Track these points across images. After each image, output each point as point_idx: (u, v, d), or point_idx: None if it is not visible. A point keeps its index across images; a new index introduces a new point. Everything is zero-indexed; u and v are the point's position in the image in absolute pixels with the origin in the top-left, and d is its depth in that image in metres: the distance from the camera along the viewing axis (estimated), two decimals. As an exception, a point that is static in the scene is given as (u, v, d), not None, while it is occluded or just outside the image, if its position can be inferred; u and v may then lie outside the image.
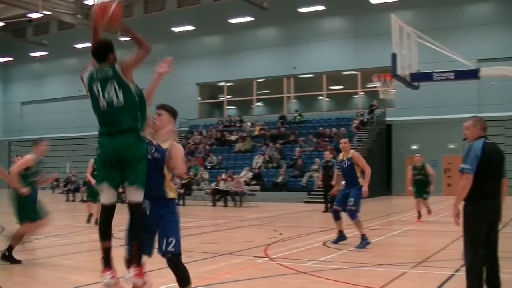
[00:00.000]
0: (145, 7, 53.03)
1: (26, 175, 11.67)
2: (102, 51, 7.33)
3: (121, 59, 6.96)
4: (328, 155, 26.92)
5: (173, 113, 7.64)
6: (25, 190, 11.33)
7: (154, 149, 6.82)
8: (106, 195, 6.57)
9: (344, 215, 14.05)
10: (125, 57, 7.01)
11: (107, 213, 6.65)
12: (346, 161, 14.11)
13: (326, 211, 25.75)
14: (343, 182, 14.89)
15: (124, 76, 6.91)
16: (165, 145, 6.92)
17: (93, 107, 6.93)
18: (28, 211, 11.59)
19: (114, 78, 6.85)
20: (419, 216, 20.55)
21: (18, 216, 11.59)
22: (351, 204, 13.70)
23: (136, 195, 6.50)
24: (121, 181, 6.60)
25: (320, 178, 27.21)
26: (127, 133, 6.57)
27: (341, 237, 14.20)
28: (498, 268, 7.66)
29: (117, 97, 6.75)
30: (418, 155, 22.01)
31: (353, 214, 13.70)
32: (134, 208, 6.56)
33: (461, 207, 7.45)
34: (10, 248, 11.48)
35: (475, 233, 7.37)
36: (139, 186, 6.51)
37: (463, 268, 10.43)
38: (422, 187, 20.72)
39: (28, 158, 11.80)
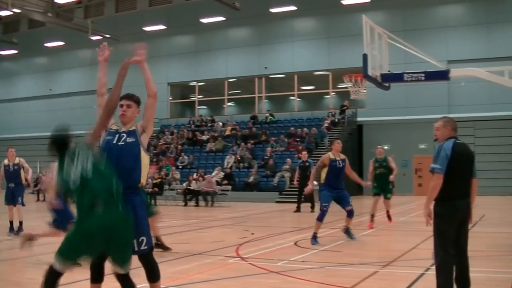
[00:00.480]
0: (116, 6, 52.77)
1: None
2: None
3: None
4: (305, 155, 27.08)
5: (139, 102, 7.83)
6: None
7: (124, 135, 6.87)
8: None
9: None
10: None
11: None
12: (340, 162, 15.01)
13: (298, 211, 25.85)
14: (315, 182, 15.22)
15: None
16: (132, 128, 7.07)
17: None
18: None
19: None
20: (372, 218, 18.51)
21: None
22: (351, 205, 14.89)
23: None
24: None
25: (296, 177, 27.20)
26: None
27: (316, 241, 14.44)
28: (467, 267, 7.72)
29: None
30: (379, 146, 20.25)
31: (353, 213, 14.98)
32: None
33: (432, 206, 7.49)
34: None
35: (444, 233, 7.42)
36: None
37: (433, 267, 10.54)
38: (383, 182, 18.88)
39: None
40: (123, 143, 6.79)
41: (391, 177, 19.00)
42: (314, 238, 14.08)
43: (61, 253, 6.00)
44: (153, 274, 7.03)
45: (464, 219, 7.58)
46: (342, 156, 15.16)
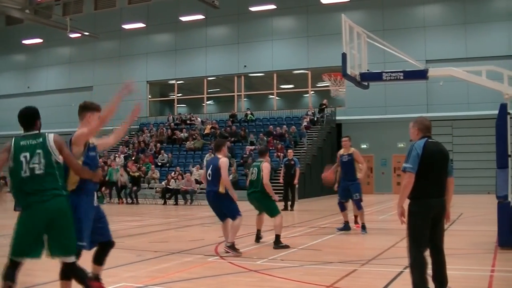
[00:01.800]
0: (96, 3, 52.56)
1: None
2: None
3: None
4: (290, 153, 27.13)
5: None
6: None
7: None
8: None
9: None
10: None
11: None
12: (346, 156, 16.12)
13: (285, 209, 25.80)
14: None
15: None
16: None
17: None
18: None
19: None
20: (356, 219, 17.65)
21: None
22: (358, 197, 16.13)
23: None
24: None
25: (282, 176, 27.21)
26: None
27: (346, 227, 16.51)
28: (444, 265, 7.82)
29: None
30: (345, 138, 17.41)
31: (359, 205, 16.16)
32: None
33: (406, 205, 7.60)
34: None
35: (418, 231, 7.53)
36: None
37: (411, 266, 10.63)
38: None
39: None
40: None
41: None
42: (364, 227, 16.26)
43: None
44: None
45: (439, 217, 7.65)
46: (350, 151, 16.37)
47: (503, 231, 12.72)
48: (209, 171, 12.51)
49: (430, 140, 7.68)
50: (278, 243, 13.31)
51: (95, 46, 50.89)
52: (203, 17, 46.40)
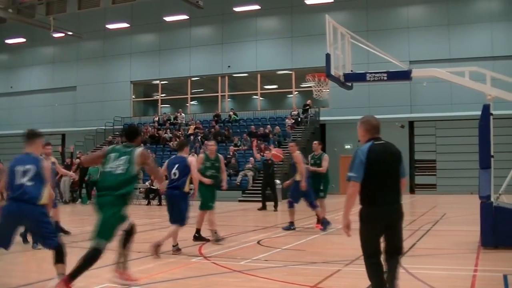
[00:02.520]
0: (79, 3, 52.33)
1: None
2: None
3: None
4: (268, 154, 27.18)
5: None
6: None
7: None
8: None
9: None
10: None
11: None
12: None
13: (264, 208, 25.93)
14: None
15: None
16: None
17: None
18: None
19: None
20: (318, 220, 17.68)
21: None
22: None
23: None
24: None
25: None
26: None
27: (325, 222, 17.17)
28: (394, 271, 7.25)
29: None
30: (316, 142, 18.44)
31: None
32: None
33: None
34: None
35: (367, 240, 7.15)
36: None
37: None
38: (316, 181, 17.68)
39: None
40: None
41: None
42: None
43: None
44: None
45: (393, 224, 7.16)
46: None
47: (486, 231, 12.79)
48: (174, 170, 12.71)
49: (376, 142, 7.23)
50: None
51: (78, 46, 50.68)
52: (187, 17, 46.31)
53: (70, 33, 46.37)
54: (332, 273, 10.08)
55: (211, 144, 15.71)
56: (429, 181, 39.87)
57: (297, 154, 17.36)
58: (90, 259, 8.38)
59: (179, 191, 12.52)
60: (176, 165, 12.64)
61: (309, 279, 9.47)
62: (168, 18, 47.05)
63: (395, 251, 7.22)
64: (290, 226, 17.18)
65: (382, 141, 7.33)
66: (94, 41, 50.66)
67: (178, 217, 12.66)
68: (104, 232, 8.49)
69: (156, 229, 18.26)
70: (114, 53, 49.71)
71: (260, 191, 28.61)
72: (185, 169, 12.51)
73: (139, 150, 8.78)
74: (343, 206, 7.05)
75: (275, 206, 26.27)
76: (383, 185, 7.06)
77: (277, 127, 39.84)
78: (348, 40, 15.34)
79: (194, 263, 11.43)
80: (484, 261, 11.37)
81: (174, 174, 12.58)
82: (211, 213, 14.87)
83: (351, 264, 11.14)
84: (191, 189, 13.12)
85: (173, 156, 13.84)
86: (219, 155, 15.80)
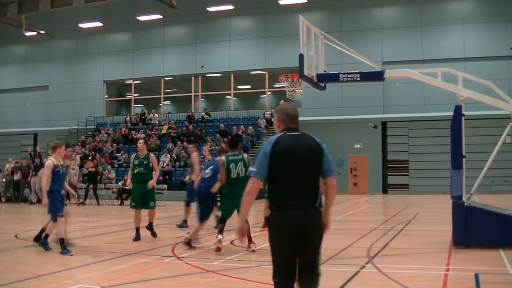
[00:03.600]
0: (52, 1, 51.70)
1: None
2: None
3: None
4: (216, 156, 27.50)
5: None
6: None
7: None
8: None
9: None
10: None
11: None
12: None
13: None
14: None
15: None
16: None
17: None
18: None
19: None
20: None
21: None
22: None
23: None
24: None
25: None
26: None
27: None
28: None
29: None
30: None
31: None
32: None
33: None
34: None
35: (274, 254, 5.92)
36: None
37: (368, 265, 10.72)
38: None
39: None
40: None
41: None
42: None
43: None
44: None
45: (306, 234, 5.79)
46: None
47: (458, 231, 12.90)
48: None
49: (289, 133, 5.99)
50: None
51: (51, 45, 50.32)
52: (161, 16, 46.15)
53: (42, 32, 46.04)
54: (305, 273, 10.09)
55: (140, 143, 16.00)
56: (402, 181, 40.10)
57: (195, 156, 18.23)
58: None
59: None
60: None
61: (283, 279, 9.46)
62: (141, 18, 46.85)
63: (308, 269, 5.91)
64: (183, 224, 18.17)
65: (298, 133, 6.04)
66: (66, 40, 50.33)
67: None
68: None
69: (128, 230, 18.16)
70: (87, 52, 49.42)
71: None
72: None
73: (245, 155, 13.19)
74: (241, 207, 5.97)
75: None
76: (294, 185, 5.80)
77: (250, 127, 39.87)
78: (321, 41, 15.39)
79: (167, 263, 11.41)
80: (456, 260, 11.47)
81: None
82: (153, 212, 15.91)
83: (324, 264, 11.13)
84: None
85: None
86: (151, 153, 16.07)
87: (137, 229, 15.17)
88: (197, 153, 18.28)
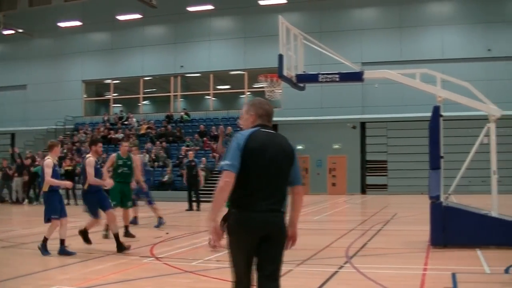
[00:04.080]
0: (30, 0, 51.58)
1: None
2: None
3: None
4: (191, 154, 27.98)
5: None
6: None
7: None
8: None
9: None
10: None
11: None
12: None
13: (190, 209, 26.52)
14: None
15: None
16: None
17: None
18: None
19: None
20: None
21: None
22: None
23: None
24: None
25: (185, 177, 27.99)
26: None
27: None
28: None
29: None
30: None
31: None
32: None
33: None
34: None
35: (234, 259, 5.44)
36: None
37: (347, 265, 10.75)
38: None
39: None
40: None
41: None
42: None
43: None
44: None
45: (271, 239, 5.41)
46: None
47: (436, 231, 12.98)
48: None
49: (263, 129, 5.57)
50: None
51: (29, 43, 49.97)
52: (140, 16, 45.98)
53: (20, 30, 45.78)
54: (284, 273, 10.03)
55: (124, 145, 16.64)
56: (380, 182, 40.25)
57: (137, 158, 18.30)
58: None
59: None
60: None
61: (261, 279, 9.46)
62: (120, 17, 46.66)
63: (269, 277, 5.48)
64: (161, 221, 18.72)
65: (273, 132, 5.63)
66: (45, 39, 50.01)
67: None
68: None
69: (101, 231, 18.11)
70: (65, 51, 49.11)
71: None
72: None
73: None
74: (211, 206, 5.35)
75: (198, 206, 26.72)
76: (263, 185, 5.37)
77: (229, 127, 39.85)
78: (300, 41, 15.41)
79: (145, 264, 11.38)
80: (433, 260, 11.53)
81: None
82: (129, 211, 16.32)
83: (302, 264, 11.19)
84: None
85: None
86: (132, 154, 16.68)
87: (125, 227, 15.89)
88: (141, 155, 18.69)
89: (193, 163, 27.31)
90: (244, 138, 5.40)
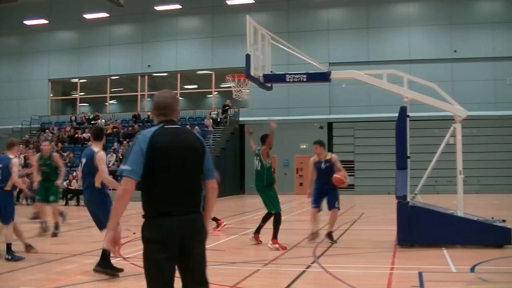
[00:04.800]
0: (-4, -3, 51.07)
1: None
2: None
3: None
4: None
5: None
6: None
7: None
8: None
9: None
10: None
11: None
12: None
13: None
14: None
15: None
16: None
17: None
18: None
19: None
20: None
21: None
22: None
23: None
24: None
25: None
26: None
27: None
28: None
29: None
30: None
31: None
32: None
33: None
34: None
35: (150, 273, 4.95)
36: None
37: (314, 265, 10.77)
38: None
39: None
40: None
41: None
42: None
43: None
44: None
45: (189, 245, 5.03)
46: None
47: (402, 230, 13.07)
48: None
49: (167, 126, 5.15)
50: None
51: (-6, 42, 49.58)
52: (107, 15, 45.78)
53: (-15, 28, 45.30)
54: (251, 273, 10.11)
55: (45, 145, 17.50)
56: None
57: (57, 155, 18.29)
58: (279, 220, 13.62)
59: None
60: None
61: (229, 279, 9.47)
62: (87, 16, 46.40)
63: (200, 284, 5.24)
64: (34, 217, 19.12)
65: (177, 126, 5.24)
66: (11, 37, 49.53)
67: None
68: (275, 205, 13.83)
69: (73, 230, 18.00)
70: (31, 50, 48.67)
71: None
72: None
73: (262, 147, 15.10)
74: (111, 214, 5.13)
75: None
76: (175, 187, 5.01)
77: (197, 127, 39.77)
78: (268, 41, 15.41)
79: (113, 264, 11.30)
80: (400, 259, 11.60)
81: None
82: (54, 206, 16.90)
83: (270, 264, 11.20)
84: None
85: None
86: (54, 153, 17.43)
87: (43, 222, 16.53)
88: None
89: None
90: (147, 140, 4.97)
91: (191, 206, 5.06)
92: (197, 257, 5.12)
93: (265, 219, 14.19)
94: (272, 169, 14.81)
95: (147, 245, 4.93)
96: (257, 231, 14.27)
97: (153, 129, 5.08)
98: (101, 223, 10.27)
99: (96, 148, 10.61)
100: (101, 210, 10.29)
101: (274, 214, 13.68)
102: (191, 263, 5.07)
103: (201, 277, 5.18)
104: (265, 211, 14.03)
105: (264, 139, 15.08)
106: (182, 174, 5.02)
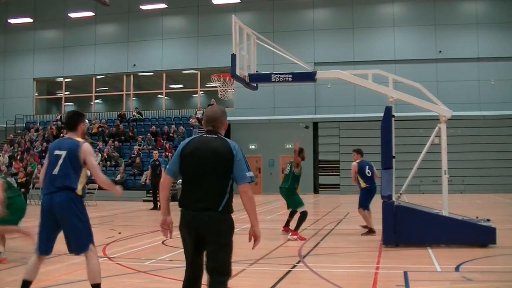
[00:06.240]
0: (-21, -4, 50.80)
1: None
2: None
3: None
4: (156, 154, 28.21)
5: None
6: None
7: None
8: None
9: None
10: None
11: None
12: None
13: (155, 208, 26.50)
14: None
15: None
16: None
17: None
18: None
19: None
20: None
21: None
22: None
23: None
24: None
25: (148, 176, 28.89)
26: None
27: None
28: None
29: None
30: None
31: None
32: None
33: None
34: None
35: (184, 247, 6.01)
36: None
37: (300, 264, 10.79)
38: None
39: None
40: None
41: None
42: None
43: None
44: None
45: (203, 235, 5.81)
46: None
47: (387, 230, 13.10)
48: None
49: (205, 135, 6.14)
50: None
51: (-22, 40, 49.33)
52: (93, 14, 45.63)
53: (-32, 27, 45.07)
54: (237, 273, 10.10)
55: None
56: (333, 181, 40.47)
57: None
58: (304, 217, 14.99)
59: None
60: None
61: (214, 278, 9.45)
62: (72, 14, 46.20)
63: (210, 273, 5.84)
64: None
65: (213, 136, 6.12)
66: (-5, 36, 49.36)
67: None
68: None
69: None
70: (16, 48, 48.45)
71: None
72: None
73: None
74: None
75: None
76: (194, 185, 5.87)
77: (182, 127, 39.77)
78: (254, 41, 15.42)
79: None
80: (385, 259, 11.63)
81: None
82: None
83: (255, 263, 11.20)
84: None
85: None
86: None
87: None
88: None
89: (157, 163, 27.50)
90: (183, 145, 6.10)
91: (207, 203, 5.81)
92: (213, 248, 5.83)
93: (291, 214, 16.36)
94: (299, 178, 16.91)
95: (179, 227, 5.96)
96: (286, 224, 16.24)
97: (192, 136, 6.29)
98: (81, 240, 8.43)
99: (78, 138, 8.25)
100: (84, 222, 8.37)
101: (300, 212, 15.46)
102: (208, 253, 5.85)
103: (214, 270, 5.83)
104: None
105: (301, 151, 16.92)
106: (202, 176, 5.86)
